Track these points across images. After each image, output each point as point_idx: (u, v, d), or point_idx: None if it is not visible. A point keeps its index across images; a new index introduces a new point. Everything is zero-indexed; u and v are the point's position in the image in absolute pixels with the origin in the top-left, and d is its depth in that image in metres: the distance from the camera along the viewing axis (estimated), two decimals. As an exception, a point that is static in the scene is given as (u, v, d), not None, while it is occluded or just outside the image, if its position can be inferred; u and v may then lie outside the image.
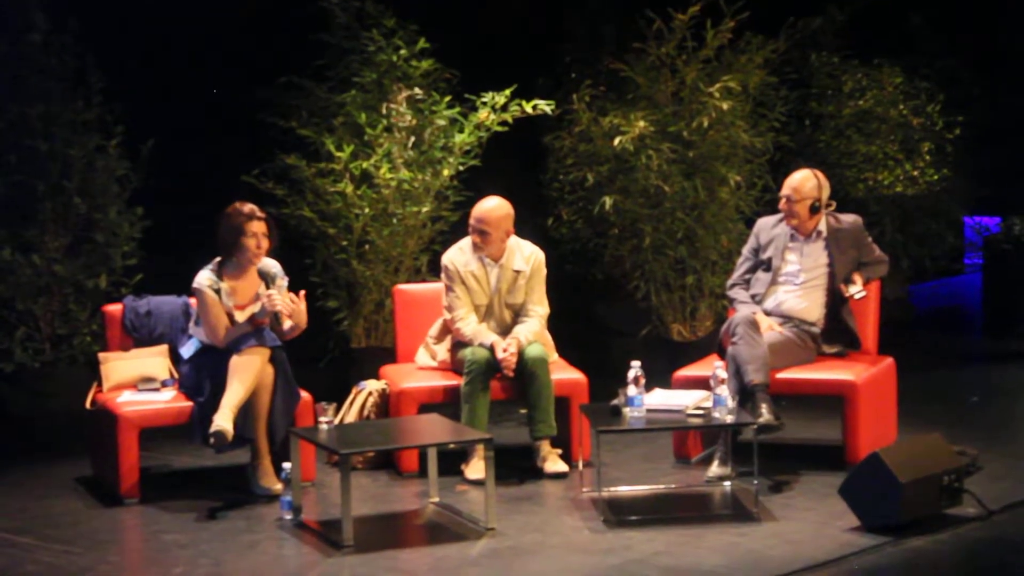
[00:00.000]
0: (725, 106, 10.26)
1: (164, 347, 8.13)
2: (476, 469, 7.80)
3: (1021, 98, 13.70)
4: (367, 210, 9.66)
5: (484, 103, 9.65)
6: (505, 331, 8.15)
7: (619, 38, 11.48)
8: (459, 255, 8.21)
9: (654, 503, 7.55)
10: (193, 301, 7.98)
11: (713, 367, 7.38)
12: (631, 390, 7.29)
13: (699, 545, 6.74)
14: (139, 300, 8.25)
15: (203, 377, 7.72)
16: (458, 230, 8.99)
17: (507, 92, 9.59)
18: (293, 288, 7.97)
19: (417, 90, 9.79)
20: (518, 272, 8.17)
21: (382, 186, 9.64)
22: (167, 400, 7.79)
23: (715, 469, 7.73)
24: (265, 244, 7.79)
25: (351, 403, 8.30)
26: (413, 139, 9.73)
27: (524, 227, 8.42)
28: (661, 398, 7.47)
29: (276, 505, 7.37)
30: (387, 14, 9.92)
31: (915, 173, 12.77)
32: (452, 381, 8.09)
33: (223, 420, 7.44)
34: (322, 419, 7.26)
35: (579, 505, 7.46)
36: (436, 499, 7.54)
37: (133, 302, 8.24)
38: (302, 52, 10.05)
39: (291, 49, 10.19)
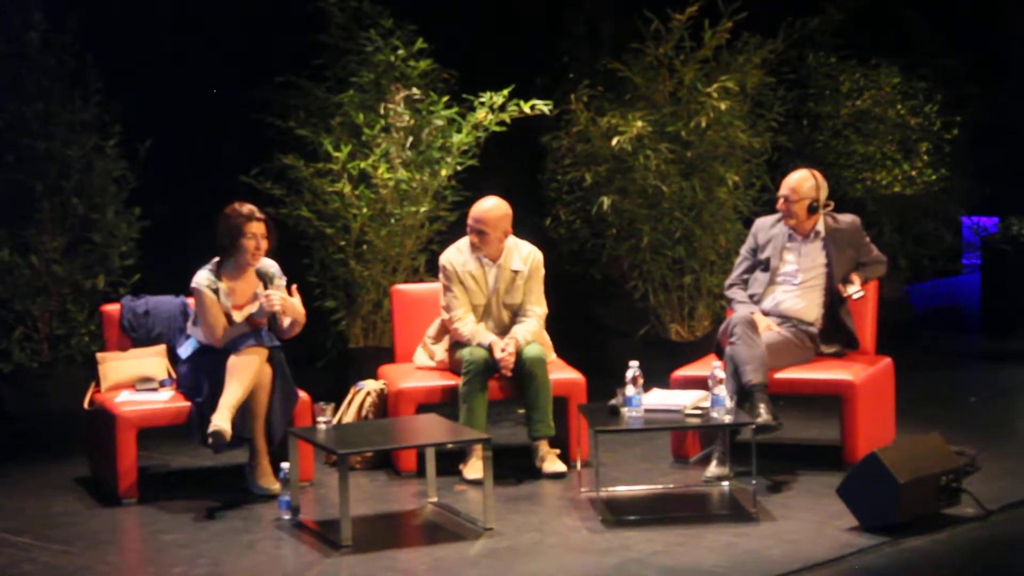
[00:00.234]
0: (723, 106, 10.27)
1: (162, 347, 8.12)
2: (474, 469, 7.80)
3: (1019, 98, 13.71)
4: (365, 210, 9.66)
5: (482, 103, 9.65)
6: (503, 331, 8.15)
7: (617, 38, 11.49)
8: (457, 255, 8.21)
9: (652, 503, 7.55)
10: (191, 301, 7.98)
11: (711, 367, 7.38)
12: (629, 390, 7.29)
13: (697, 545, 6.74)
14: (137, 300, 8.25)
15: (201, 377, 7.72)
16: (456, 230, 8.99)
17: (505, 92, 9.60)
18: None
19: (415, 90, 9.79)
20: (516, 272, 8.17)
21: (380, 186, 9.64)
22: (165, 400, 7.78)
23: (713, 469, 7.73)
24: (264, 245, 7.79)
25: (349, 403, 8.30)
26: (411, 139, 9.73)
27: (522, 227, 8.42)
28: (659, 398, 7.47)
29: (274, 505, 7.37)
30: (385, 14, 9.92)
31: (913, 173, 12.78)
32: (450, 381, 8.09)
33: (221, 420, 7.44)
34: (320, 419, 7.26)
35: (577, 505, 7.46)
36: (434, 499, 7.54)
37: (131, 302, 8.24)
38: (300, 52, 10.05)
39: (289, 49, 10.18)
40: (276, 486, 7.51)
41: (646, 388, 7.41)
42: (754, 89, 10.76)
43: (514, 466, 8.03)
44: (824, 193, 8.25)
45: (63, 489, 7.97)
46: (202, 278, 7.75)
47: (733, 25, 10.40)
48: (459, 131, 9.68)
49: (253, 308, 7.79)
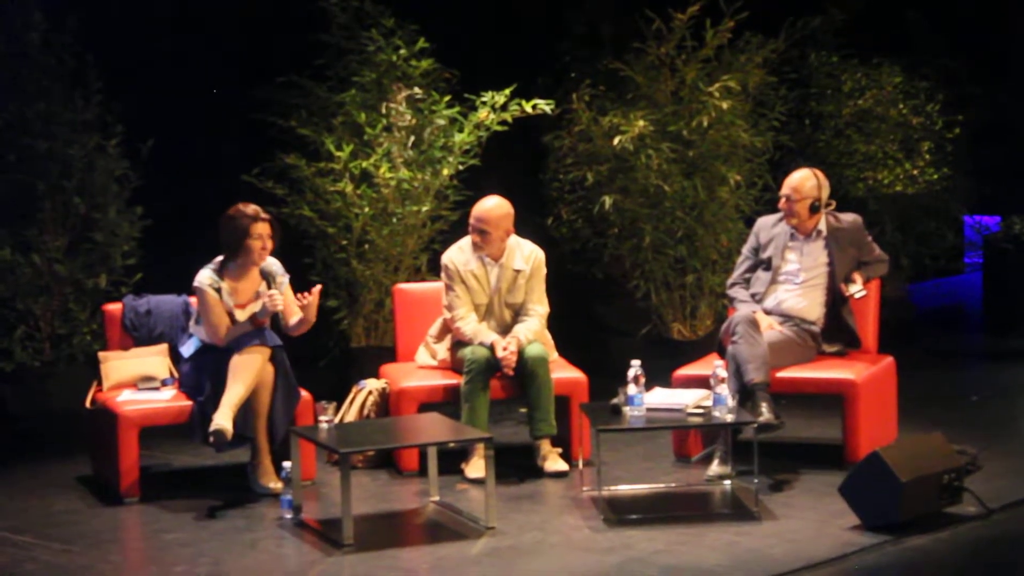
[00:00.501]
0: (725, 105, 10.27)
1: (164, 346, 8.13)
2: (476, 468, 7.80)
3: (1020, 97, 13.70)
4: (367, 209, 9.66)
5: (484, 102, 9.65)
6: (505, 330, 8.15)
7: (618, 37, 11.48)
8: (459, 254, 8.21)
9: (654, 502, 7.55)
10: (193, 300, 7.98)
11: (713, 366, 7.38)
12: (631, 389, 7.29)
13: (699, 544, 6.74)
14: (139, 299, 8.25)
15: (203, 376, 7.72)
16: (458, 229, 9.00)
17: (507, 91, 9.60)
18: (295, 288, 7.98)
19: (417, 89, 9.79)
20: (518, 271, 8.17)
21: (382, 185, 9.64)
22: (167, 399, 7.79)
23: (715, 468, 7.73)
24: (270, 246, 7.79)
25: (351, 402, 8.30)
26: (413, 138, 9.73)
27: (524, 226, 8.42)
28: (661, 397, 7.47)
29: (276, 504, 7.37)
30: (386, 14, 9.92)
31: (915, 172, 12.78)
32: (452, 380, 8.09)
33: (223, 419, 7.44)
34: (322, 418, 7.26)
35: (579, 504, 7.46)
36: (436, 498, 7.54)
37: (133, 301, 8.24)
38: (302, 52, 10.05)
39: (291, 49, 10.18)
40: (278, 485, 7.51)
41: (648, 387, 7.41)
42: (756, 88, 10.76)
43: (516, 465, 8.03)
44: (826, 192, 8.25)
45: (65, 488, 7.97)
46: (205, 277, 7.75)
47: (735, 24, 10.40)
48: (461, 130, 9.68)
49: (256, 307, 7.79)
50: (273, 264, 7.88)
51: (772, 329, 8.03)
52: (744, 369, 7.70)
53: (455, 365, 8.18)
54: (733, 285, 8.40)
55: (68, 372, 9.65)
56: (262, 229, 7.76)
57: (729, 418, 7.25)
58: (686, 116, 10.45)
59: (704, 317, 10.72)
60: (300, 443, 7.42)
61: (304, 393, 7.86)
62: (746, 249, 8.44)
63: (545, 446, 8.04)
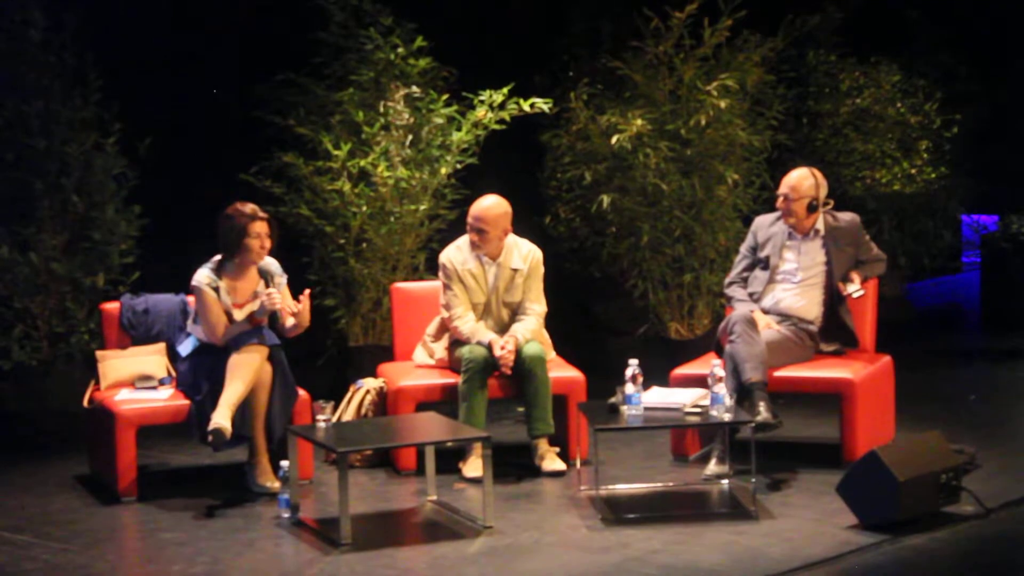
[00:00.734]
0: (723, 104, 10.26)
1: (162, 345, 8.13)
2: (474, 467, 7.80)
3: (1018, 96, 13.71)
4: (365, 208, 9.66)
5: (482, 101, 9.65)
6: (503, 329, 8.15)
7: (616, 36, 11.48)
8: (457, 253, 8.21)
9: (652, 501, 7.55)
10: (191, 299, 7.98)
11: (711, 365, 7.37)
12: (629, 388, 7.29)
13: (697, 543, 6.75)
14: (137, 298, 8.25)
15: (201, 375, 7.72)
16: (456, 228, 8.99)
17: (505, 90, 9.59)
18: (292, 286, 7.98)
19: (415, 88, 9.79)
20: (516, 270, 8.17)
21: (380, 184, 9.63)
22: (165, 398, 7.79)
23: (713, 467, 7.73)
24: (268, 245, 7.80)
25: (349, 401, 8.30)
26: (411, 137, 9.73)
27: (522, 225, 8.42)
28: (659, 396, 7.47)
29: (274, 503, 7.38)
30: (384, 12, 9.91)
31: (913, 171, 12.79)
32: (450, 379, 8.09)
33: (221, 418, 7.44)
34: (320, 417, 7.26)
35: (577, 503, 7.46)
36: (434, 497, 7.54)
37: (131, 300, 8.24)
38: (300, 50, 10.04)
39: (289, 47, 10.17)
40: (276, 484, 7.51)
41: (646, 386, 7.41)
42: (754, 87, 10.76)
43: (513, 464, 8.03)
44: (824, 191, 8.25)
45: (62, 487, 7.97)
46: (203, 276, 7.75)
47: (733, 23, 10.40)
48: (459, 129, 9.68)
49: (254, 306, 7.79)
50: (271, 263, 7.88)
51: (770, 328, 8.03)
52: (742, 368, 7.71)
53: (453, 364, 8.18)
54: (731, 284, 8.41)
55: (66, 371, 9.63)
56: (260, 228, 7.76)
57: (727, 417, 7.25)
58: (684, 115, 10.45)
59: (702, 316, 10.72)
60: (298, 442, 7.41)
61: (302, 392, 7.86)
62: (744, 248, 8.44)
63: (543, 445, 8.04)
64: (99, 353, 8.13)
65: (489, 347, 7.98)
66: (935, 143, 12.96)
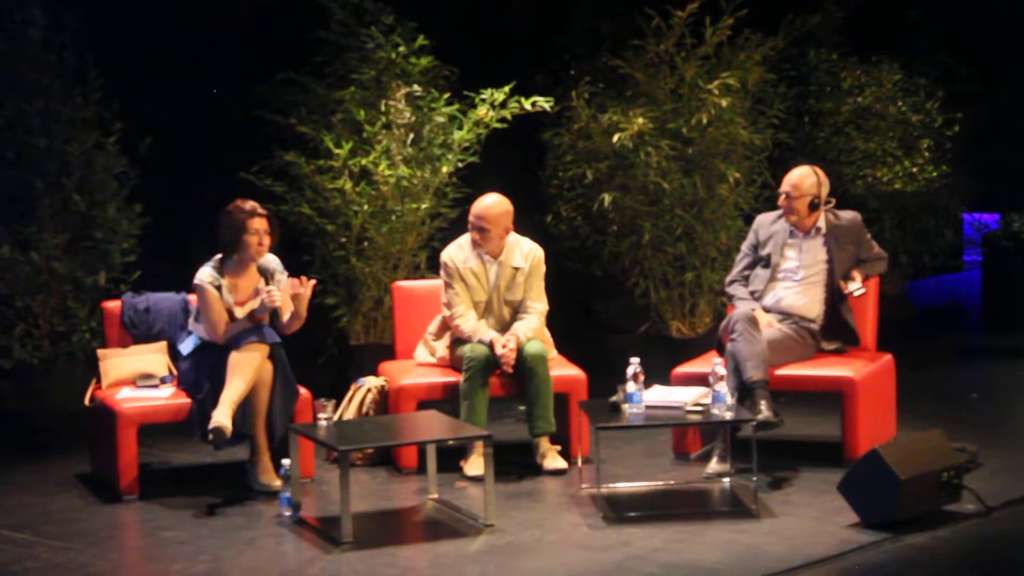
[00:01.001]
0: (724, 103, 10.26)
1: (163, 344, 8.13)
2: (475, 465, 7.80)
3: (1019, 94, 13.70)
4: (366, 207, 9.66)
5: (483, 100, 9.65)
6: (504, 328, 8.15)
7: (618, 35, 11.48)
8: (458, 252, 8.21)
9: (653, 499, 7.55)
10: (192, 298, 7.99)
11: (712, 364, 7.36)
12: (630, 387, 7.29)
13: (698, 541, 6.74)
14: (138, 297, 8.25)
15: (202, 374, 7.72)
16: (457, 227, 9.00)
17: (506, 89, 9.59)
18: (294, 285, 8.00)
19: (416, 87, 9.79)
20: (517, 269, 8.17)
21: (381, 183, 9.64)
22: (166, 397, 7.79)
23: (714, 466, 7.73)
24: (267, 241, 7.80)
25: (350, 399, 8.30)
26: (412, 136, 9.73)
27: (523, 224, 8.42)
28: (660, 395, 7.46)
29: (275, 501, 7.37)
30: (386, 11, 9.91)
31: (914, 170, 12.79)
32: (451, 378, 8.09)
33: (222, 416, 7.44)
34: (321, 415, 7.27)
35: (578, 501, 7.46)
36: (435, 495, 7.54)
37: (132, 299, 8.24)
38: (301, 49, 10.04)
39: (290, 46, 10.18)
40: (277, 483, 7.51)
41: (647, 385, 7.41)
42: (755, 86, 10.76)
43: (515, 463, 8.03)
44: (825, 190, 8.25)
45: (64, 486, 7.97)
46: (205, 274, 7.75)
47: (734, 22, 10.40)
48: (460, 128, 9.68)
49: (255, 304, 7.79)
50: (272, 261, 7.89)
51: (771, 327, 8.03)
52: (743, 367, 7.70)
53: (454, 363, 8.18)
54: (732, 282, 8.40)
55: (67, 370, 9.64)
56: (259, 225, 7.77)
57: (728, 416, 7.25)
58: (685, 113, 10.44)
59: (703, 315, 10.72)
60: (299, 441, 7.41)
61: (303, 390, 7.86)
62: (745, 246, 8.44)
63: (544, 444, 8.04)
64: (100, 352, 8.13)
65: (490, 345, 7.98)
66: (936, 142, 12.96)
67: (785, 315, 8.19)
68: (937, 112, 12.91)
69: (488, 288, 8.18)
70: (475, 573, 6.48)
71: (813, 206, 8.20)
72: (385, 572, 6.47)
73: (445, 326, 8.30)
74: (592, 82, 10.87)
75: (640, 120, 10.20)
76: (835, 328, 8.23)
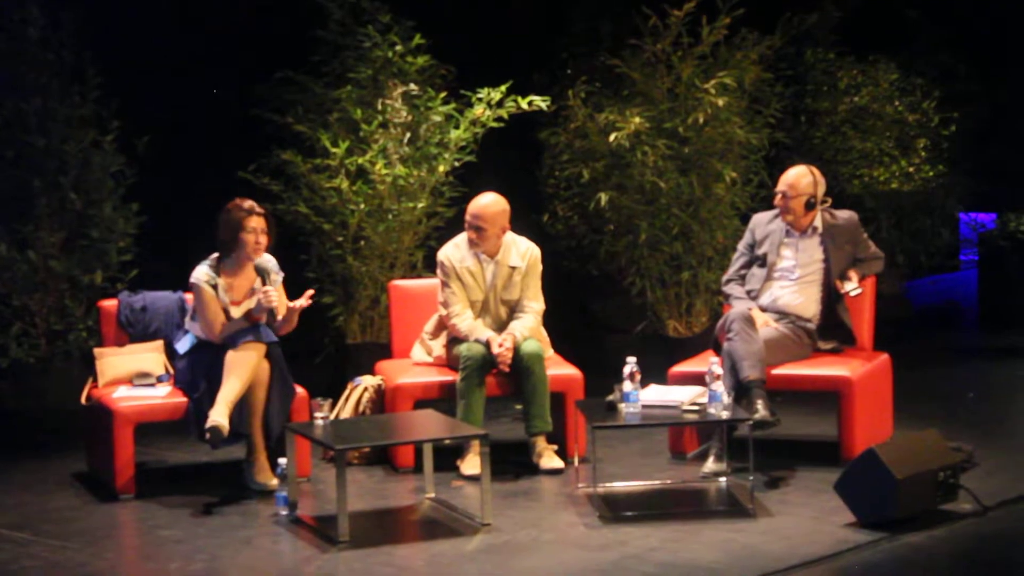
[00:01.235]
0: (721, 102, 10.27)
1: (159, 343, 8.12)
2: (472, 465, 7.81)
3: (1016, 94, 13.71)
4: (363, 206, 9.66)
5: (480, 99, 9.65)
6: (501, 327, 8.15)
7: (615, 34, 11.48)
8: (455, 251, 8.21)
9: (650, 499, 7.55)
10: (189, 297, 7.99)
11: (709, 363, 7.37)
12: (627, 386, 7.29)
13: (695, 541, 6.75)
14: (134, 296, 8.25)
15: (198, 373, 7.72)
16: (454, 226, 8.99)
17: (503, 88, 9.59)
18: (291, 284, 7.98)
19: (413, 86, 9.79)
20: (514, 268, 8.17)
21: (377, 182, 9.64)
22: (163, 396, 7.79)
23: (711, 465, 7.73)
24: (264, 240, 7.80)
25: (346, 399, 8.29)
26: (409, 135, 9.74)
27: (520, 223, 8.42)
28: (657, 394, 7.46)
29: (272, 501, 7.38)
30: (383, 10, 9.91)
31: (911, 169, 12.79)
32: (448, 377, 8.09)
33: (219, 416, 7.44)
34: (318, 415, 7.27)
35: (575, 501, 7.46)
36: (432, 495, 7.54)
37: (128, 298, 8.24)
38: (298, 48, 10.04)
39: (287, 45, 10.18)
40: (273, 482, 7.52)
41: (643, 384, 7.41)
42: (752, 85, 10.76)
43: (511, 462, 8.03)
44: (822, 189, 8.25)
45: (61, 485, 7.97)
46: (201, 273, 7.76)
47: (731, 21, 10.40)
48: (457, 127, 9.68)
49: (251, 304, 7.79)
50: (269, 261, 7.88)
51: (768, 326, 8.03)
52: (740, 366, 7.71)
53: (451, 362, 8.18)
54: (728, 282, 8.40)
55: (64, 368, 9.65)
56: (256, 223, 7.77)
57: (725, 415, 7.25)
58: (682, 113, 10.45)
59: (700, 314, 10.72)
60: (296, 440, 7.41)
61: (299, 389, 7.86)
62: (742, 245, 8.44)
63: (540, 443, 8.04)
64: (97, 350, 8.12)
65: (487, 345, 7.98)
66: (933, 141, 12.96)
67: (781, 314, 8.19)
68: (934, 111, 12.91)
69: (485, 287, 8.18)
70: (472, 572, 6.49)
71: (809, 206, 8.20)
72: (382, 571, 6.47)
73: (442, 325, 8.30)
74: (589, 81, 10.88)
75: (637, 119, 10.21)
76: (831, 327, 8.24)
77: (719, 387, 7.24)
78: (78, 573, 6.55)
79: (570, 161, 10.89)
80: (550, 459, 7.99)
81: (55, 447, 8.76)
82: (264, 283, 7.83)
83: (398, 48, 9.78)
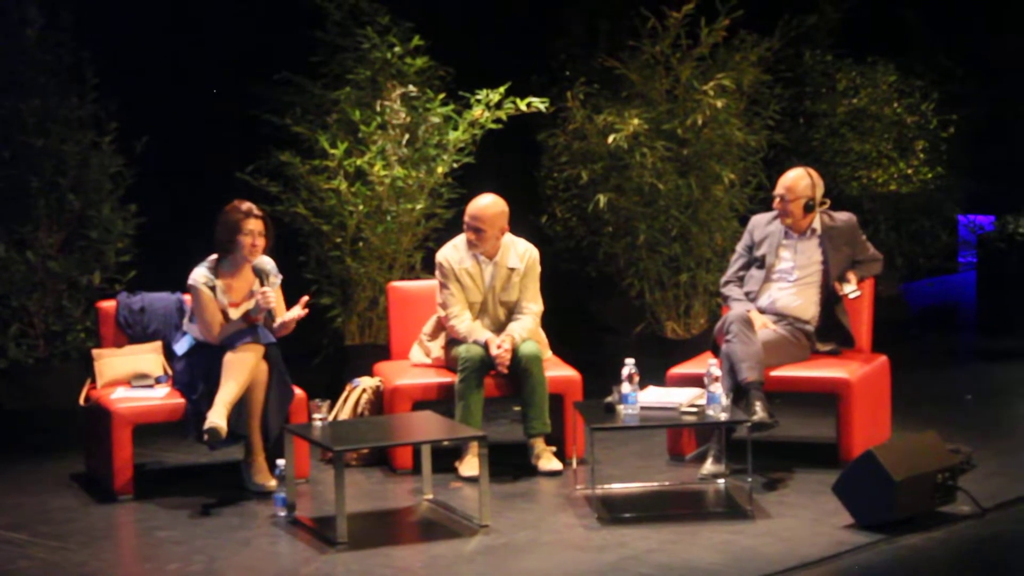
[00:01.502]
0: (719, 104, 10.27)
1: (158, 344, 8.12)
2: (470, 466, 7.80)
3: (1015, 96, 13.72)
4: (361, 207, 9.66)
5: (478, 100, 9.65)
6: (499, 328, 8.15)
7: (613, 36, 11.49)
8: (453, 252, 8.20)
9: (648, 500, 7.55)
10: (187, 298, 7.98)
11: (707, 365, 7.37)
12: (625, 387, 7.29)
13: (693, 543, 6.74)
14: (133, 297, 8.25)
15: (197, 374, 7.72)
16: (452, 227, 8.99)
17: (501, 89, 9.59)
18: (289, 285, 7.98)
19: (411, 87, 9.79)
20: (512, 270, 8.17)
21: (376, 183, 9.63)
22: (161, 397, 7.78)
23: (709, 467, 7.73)
24: (261, 242, 7.80)
25: (345, 400, 8.29)
26: (407, 136, 9.73)
27: (518, 224, 8.42)
28: (655, 396, 7.46)
29: (270, 502, 7.37)
30: (381, 11, 9.91)
31: (909, 171, 12.80)
32: (446, 378, 8.09)
33: (217, 417, 7.44)
34: (316, 416, 7.27)
35: (573, 502, 7.46)
36: (430, 496, 7.54)
37: (127, 299, 8.23)
38: (296, 49, 10.04)
39: (286, 46, 10.18)
40: (272, 483, 7.52)
41: (642, 386, 7.41)
42: (750, 87, 10.77)
43: (510, 463, 8.02)
44: (820, 191, 8.25)
45: (59, 486, 7.97)
46: (199, 275, 7.76)
47: (729, 23, 10.41)
48: (455, 128, 9.68)
49: (249, 305, 7.79)
50: (267, 263, 7.88)
51: (766, 328, 8.03)
52: (738, 368, 7.70)
53: (449, 363, 8.18)
54: (727, 283, 8.40)
55: (62, 369, 9.64)
56: (254, 226, 7.77)
57: (723, 417, 7.25)
58: (681, 114, 10.45)
59: (698, 316, 10.73)
60: (294, 441, 7.41)
61: (298, 391, 7.86)
62: (740, 247, 8.44)
63: (539, 444, 8.04)
64: (95, 351, 8.12)
65: (485, 346, 7.98)
66: (931, 143, 12.96)
67: (780, 316, 8.19)
68: (932, 114, 12.92)
69: (483, 289, 8.18)
70: (470, 573, 6.49)
71: (808, 208, 8.20)
72: (380, 572, 6.47)
73: (440, 327, 8.29)
74: (587, 83, 10.88)
75: (635, 121, 10.21)
76: (830, 329, 8.24)
77: (717, 389, 7.24)
78: (76, 574, 6.55)
79: (569, 162, 10.90)
80: (548, 461, 7.99)
81: (53, 448, 8.76)
82: (263, 285, 7.82)
83: (397, 49, 9.78)
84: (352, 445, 7.42)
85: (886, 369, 8.35)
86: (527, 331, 8.10)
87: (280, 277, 7.91)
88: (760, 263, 8.30)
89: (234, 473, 7.83)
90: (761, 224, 8.37)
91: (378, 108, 9.72)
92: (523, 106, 9.57)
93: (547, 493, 7.69)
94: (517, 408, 8.37)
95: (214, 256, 7.83)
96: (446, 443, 7.88)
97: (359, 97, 9.77)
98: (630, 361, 7.33)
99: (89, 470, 8.08)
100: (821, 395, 8.04)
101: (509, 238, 8.20)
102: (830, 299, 8.21)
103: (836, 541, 6.70)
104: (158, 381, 7.94)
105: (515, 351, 7.98)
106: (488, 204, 8.12)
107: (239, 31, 10.81)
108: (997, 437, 8.60)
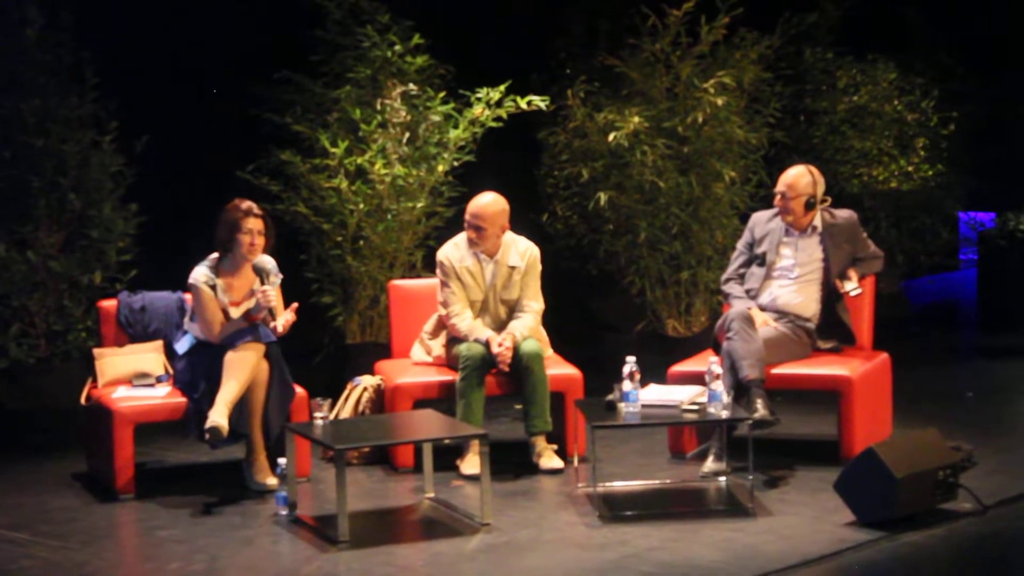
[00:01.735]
0: (720, 102, 10.27)
1: (159, 343, 8.12)
2: (471, 464, 7.80)
3: (1015, 93, 13.71)
4: (362, 206, 9.66)
5: (479, 99, 9.64)
6: (500, 327, 8.15)
7: (614, 34, 11.49)
8: (454, 251, 8.20)
9: (649, 498, 7.55)
10: (188, 297, 7.99)
11: (708, 362, 7.36)
12: (626, 385, 7.29)
13: (694, 540, 6.74)
14: (134, 296, 8.25)
15: (198, 373, 7.72)
16: (453, 226, 8.99)
17: (502, 88, 9.59)
18: (289, 284, 7.98)
19: (412, 86, 9.79)
20: (513, 268, 8.17)
21: (377, 182, 9.63)
22: (162, 396, 7.78)
23: (710, 464, 7.73)
24: (260, 241, 7.79)
25: (346, 399, 8.29)
26: (408, 135, 9.73)
27: (519, 223, 8.42)
28: (656, 393, 7.46)
29: (271, 501, 7.38)
30: (381, 10, 9.91)
31: (910, 169, 12.79)
32: (447, 377, 8.09)
33: (218, 416, 7.44)
34: (317, 415, 7.27)
35: (574, 500, 7.46)
36: (431, 494, 7.54)
37: (128, 298, 8.23)
38: (297, 48, 10.04)
39: (286, 45, 10.17)
40: (273, 482, 7.52)
41: (643, 383, 7.41)
42: (751, 85, 10.77)
43: (511, 462, 8.03)
44: (821, 189, 8.25)
45: (60, 485, 7.97)
46: (199, 274, 7.76)
47: (730, 20, 10.40)
48: (456, 127, 9.68)
49: (250, 304, 7.79)
50: (268, 262, 7.87)
51: (767, 325, 8.03)
52: (739, 365, 7.70)
53: (450, 361, 8.18)
54: (728, 281, 8.40)
55: (63, 369, 9.64)
56: (253, 224, 7.77)
57: (724, 414, 7.25)
58: (681, 112, 10.45)
59: (699, 313, 10.72)
60: (295, 439, 7.41)
61: (299, 389, 7.86)
62: (741, 244, 8.44)
63: (540, 442, 8.04)
64: (96, 351, 8.12)
65: (487, 344, 7.98)
66: (932, 140, 12.96)
67: (781, 314, 8.19)
68: (933, 111, 12.92)
69: (484, 287, 8.18)
70: (471, 572, 6.49)
71: (809, 205, 8.20)
72: (381, 571, 6.47)
73: (441, 325, 8.29)
74: (588, 81, 10.88)
75: (636, 119, 10.21)
76: (831, 327, 8.24)
77: (718, 386, 7.24)
78: (77, 573, 6.55)
79: (569, 161, 10.90)
80: (550, 459, 7.99)
81: (54, 447, 8.76)
82: (263, 284, 7.82)
83: (397, 48, 9.78)
84: (353, 443, 7.42)
85: (887, 366, 8.35)
86: (528, 329, 8.10)
87: (280, 276, 7.90)
88: (761, 261, 8.30)
89: (235, 472, 7.83)
90: (762, 222, 8.37)
91: (378, 107, 9.72)
92: (523, 104, 9.57)
93: (548, 491, 7.69)
94: (518, 406, 8.37)
95: (215, 255, 7.83)
96: (447, 441, 7.87)
97: (359, 96, 9.77)
98: (631, 359, 7.33)
99: (90, 469, 8.09)
100: (822, 392, 8.04)
101: (510, 236, 8.20)
102: (831, 296, 8.21)
103: (837, 538, 6.70)
104: (159, 380, 7.94)
105: (516, 349, 7.98)
106: (489, 202, 8.12)
107: (239, 31, 10.81)
108: (998, 434, 8.60)
